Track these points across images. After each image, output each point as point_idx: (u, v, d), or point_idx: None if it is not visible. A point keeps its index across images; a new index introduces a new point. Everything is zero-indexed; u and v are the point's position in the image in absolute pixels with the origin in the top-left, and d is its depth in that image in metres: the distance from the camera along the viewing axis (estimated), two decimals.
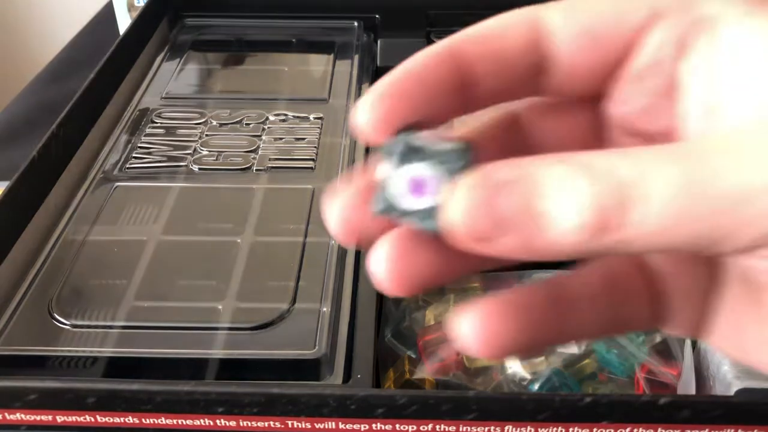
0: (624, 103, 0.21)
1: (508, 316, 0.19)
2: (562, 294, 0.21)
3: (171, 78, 0.59)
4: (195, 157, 0.49)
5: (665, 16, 0.19)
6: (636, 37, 0.20)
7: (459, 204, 0.18)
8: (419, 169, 0.18)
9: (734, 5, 0.19)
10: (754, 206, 0.16)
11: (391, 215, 0.18)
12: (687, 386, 0.34)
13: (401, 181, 0.18)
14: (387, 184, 0.18)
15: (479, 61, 0.20)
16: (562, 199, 0.17)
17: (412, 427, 0.30)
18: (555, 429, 0.30)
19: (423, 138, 0.19)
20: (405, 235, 0.19)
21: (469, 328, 0.19)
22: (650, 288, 0.22)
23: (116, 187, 0.46)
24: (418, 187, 0.18)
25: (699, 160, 0.16)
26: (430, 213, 0.18)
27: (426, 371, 0.37)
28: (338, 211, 0.19)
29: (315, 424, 0.30)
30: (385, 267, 0.19)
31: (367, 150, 0.50)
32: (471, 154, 0.18)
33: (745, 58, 0.19)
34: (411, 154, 0.18)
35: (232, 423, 0.31)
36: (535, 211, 0.17)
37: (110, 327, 0.36)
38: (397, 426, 0.30)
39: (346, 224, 0.19)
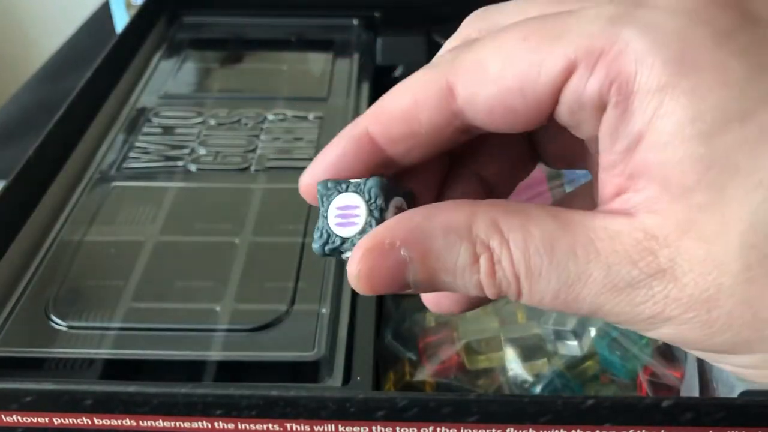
0: (574, 129, 0.20)
1: None
2: None
3: (168, 77, 0.58)
4: (193, 156, 0.49)
5: (582, 65, 0.18)
6: (557, 88, 0.19)
7: (362, 274, 0.19)
8: (343, 199, 0.20)
9: (652, 64, 0.17)
10: (606, 318, 0.19)
11: (326, 249, 0.21)
12: (690, 388, 0.34)
13: (330, 214, 0.20)
14: (321, 221, 0.21)
15: (394, 142, 0.21)
16: (464, 279, 0.19)
17: (413, 430, 0.30)
18: (557, 431, 0.30)
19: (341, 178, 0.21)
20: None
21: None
22: None
23: (113, 187, 0.46)
24: (344, 216, 0.20)
25: (574, 279, 0.18)
26: (353, 243, 0.20)
27: (426, 373, 0.37)
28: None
29: (314, 427, 0.30)
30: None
31: None
32: (384, 182, 0.20)
33: (650, 146, 0.18)
34: (334, 189, 0.20)
35: (230, 425, 0.30)
36: (440, 282, 0.19)
37: (107, 328, 0.36)
38: (398, 429, 0.30)
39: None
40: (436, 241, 0.19)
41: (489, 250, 0.19)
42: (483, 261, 0.19)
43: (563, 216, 0.19)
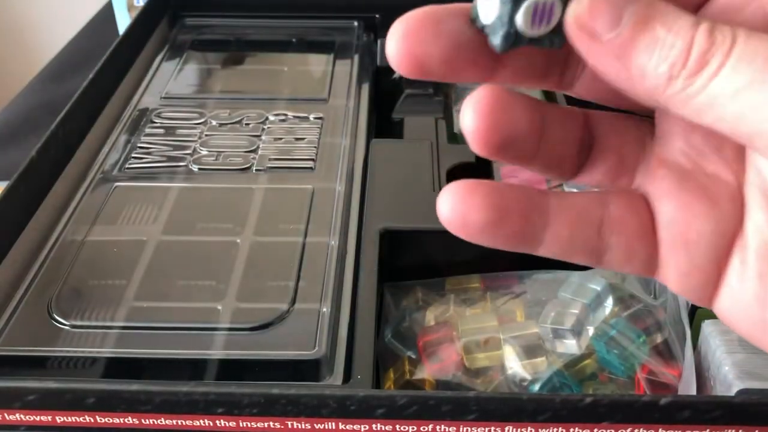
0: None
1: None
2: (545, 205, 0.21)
3: (170, 78, 0.59)
4: (194, 157, 0.49)
5: None
6: None
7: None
8: None
9: None
10: None
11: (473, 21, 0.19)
12: (688, 387, 0.34)
13: None
14: None
15: None
16: (678, 33, 0.18)
17: (413, 428, 0.30)
18: (555, 429, 0.30)
19: None
20: (491, 93, 0.20)
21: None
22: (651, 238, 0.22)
23: (116, 187, 0.46)
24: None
25: None
26: (500, 21, 0.19)
27: (426, 372, 0.37)
28: (399, 37, 0.19)
29: (315, 425, 0.30)
30: (473, 122, 0.20)
31: (367, 150, 0.50)
32: None
33: None
34: None
35: (232, 423, 0.31)
36: (652, 32, 0.18)
37: (110, 327, 0.36)
38: (397, 427, 0.30)
39: (405, 55, 0.20)
40: (662, 2, 0.19)
41: (712, 22, 0.18)
42: (704, 23, 0.18)
43: None
